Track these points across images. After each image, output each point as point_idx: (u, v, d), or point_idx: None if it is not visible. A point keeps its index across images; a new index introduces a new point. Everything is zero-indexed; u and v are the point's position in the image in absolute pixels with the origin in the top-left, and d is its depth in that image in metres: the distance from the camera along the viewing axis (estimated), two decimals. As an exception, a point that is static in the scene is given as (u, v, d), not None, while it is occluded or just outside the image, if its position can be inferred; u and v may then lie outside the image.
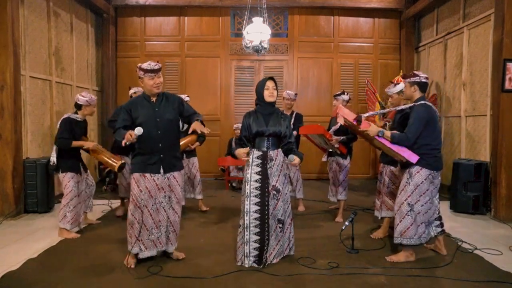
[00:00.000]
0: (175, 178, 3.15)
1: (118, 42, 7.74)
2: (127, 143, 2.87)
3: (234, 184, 6.79)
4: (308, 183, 7.14)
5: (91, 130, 6.77)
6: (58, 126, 3.95)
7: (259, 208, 3.10)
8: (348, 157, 4.60)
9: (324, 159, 4.92)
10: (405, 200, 3.18)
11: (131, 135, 2.80)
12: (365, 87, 7.22)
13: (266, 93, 3.18)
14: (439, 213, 3.37)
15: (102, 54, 7.51)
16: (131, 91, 4.89)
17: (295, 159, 3.08)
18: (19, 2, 4.89)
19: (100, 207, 5.12)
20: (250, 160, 3.17)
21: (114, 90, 7.66)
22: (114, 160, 4.03)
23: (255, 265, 3.10)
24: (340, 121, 3.45)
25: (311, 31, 7.85)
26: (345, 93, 4.71)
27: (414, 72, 3.37)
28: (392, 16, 7.80)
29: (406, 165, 3.24)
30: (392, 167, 3.91)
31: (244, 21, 6.03)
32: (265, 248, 3.10)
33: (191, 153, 4.94)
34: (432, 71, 6.95)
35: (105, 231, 4.15)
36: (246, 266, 3.10)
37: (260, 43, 5.68)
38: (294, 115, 4.94)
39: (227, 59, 7.83)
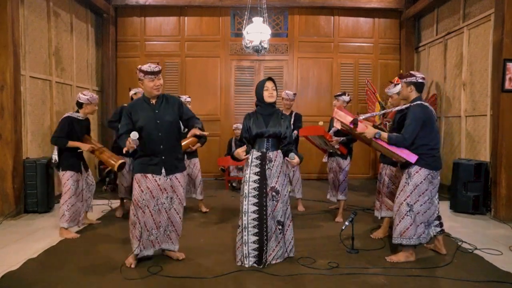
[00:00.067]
0: (177, 179, 3.15)
1: (118, 42, 7.74)
2: (130, 151, 2.90)
3: (234, 184, 6.79)
4: (308, 183, 7.15)
5: (91, 130, 6.76)
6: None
7: (257, 208, 3.10)
8: (348, 158, 4.61)
9: (324, 159, 4.92)
10: (404, 200, 3.18)
11: (130, 143, 2.81)
12: (365, 87, 7.22)
13: (265, 94, 3.18)
14: (438, 212, 3.37)
15: (102, 54, 7.51)
16: (132, 92, 4.90)
17: (295, 158, 3.08)
18: (19, 2, 4.89)
19: (100, 207, 5.12)
20: (249, 161, 3.17)
21: (114, 90, 7.67)
22: (114, 159, 4.03)
23: (255, 265, 3.10)
24: (337, 126, 3.45)
25: (311, 31, 7.85)
26: (346, 94, 4.71)
27: (411, 72, 3.36)
28: (392, 16, 7.80)
29: (405, 165, 3.24)
30: (392, 167, 3.91)
31: (244, 21, 6.03)
32: (264, 248, 3.09)
33: (192, 154, 4.95)
34: (432, 71, 6.95)
35: (105, 231, 4.15)
36: (246, 266, 3.10)
37: (260, 43, 5.68)
38: (293, 115, 4.95)
39: (227, 59, 7.83)
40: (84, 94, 4.01)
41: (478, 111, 5.54)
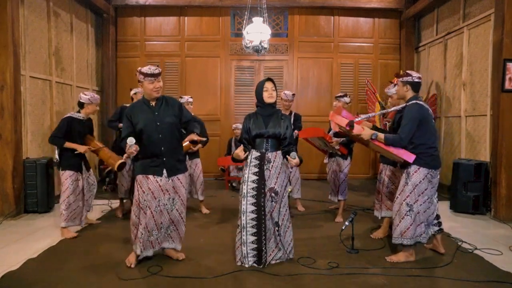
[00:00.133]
0: (179, 180, 3.15)
1: (118, 42, 7.74)
2: (131, 157, 2.92)
3: (234, 184, 6.79)
4: (308, 183, 7.15)
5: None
6: None
7: (255, 208, 3.10)
8: (349, 158, 4.61)
9: (326, 161, 4.92)
10: (404, 201, 3.18)
11: (129, 149, 2.84)
12: (365, 87, 7.22)
13: (265, 95, 3.18)
14: (437, 212, 3.37)
15: (102, 54, 7.52)
16: (132, 91, 4.91)
17: (296, 158, 3.07)
18: (19, 2, 4.89)
19: (100, 207, 5.12)
20: (248, 161, 3.17)
21: (114, 90, 7.67)
22: (114, 159, 4.03)
23: (255, 265, 3.10)
24: (335, 129, 3.46)
25: (311, 31, 7.85)
26: (347, 96, 4.73)
27: (407, 71, 3.36)
28: (392, 16, 7.80)
29: (405, 165, 3.24)
30: (392, 167, 3.92)
31: (244, 21, 6.03)
32: (263, 248, 3.09)
33: (194, 154, 4.94)
34: (432, 71, 6.95)
35: (105, 231, 4.15)
36: (246, 266, 3.10)
37: (260, 43, 5.68)
38: (292, 115, 4.95)
39: (227, 59, 7.83)
40: (85, 94, 4.03)
41: (478, 111, 5.54)
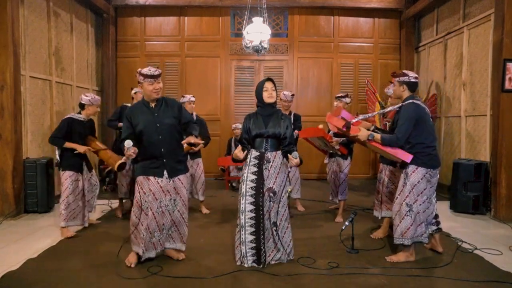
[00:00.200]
0: (180, 180, 3.15)
1: (118, 42, 7.74)
2: (130, 159, 2.93)
3: (234, 184, 6.79)
4: (308, 183, 7.15)
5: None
6: None
7: (254, 207, 3.10)
8: (349, 158, 4.61)
9: (326, 161, 4.92)
10: (403, 201, 3.17)
11: (127, 152, 2.84)
12: (365, 87, 7.22)
13: (265, 95, 3.19)
14: (435, 211, 3.37)
15: (102, 54, 7.51)
16: (133, 91, 4.92)
17: (297, 158, 3.06)
18: (19, 2, 4.89)
19: (100, 207, 5.11)
20: (248, 160, 3.18)
21: (114, 90, 7.67)
22: (114, 159, 4.04)
23: (255, 265, 3.10)
24: (334, 130, 3.46)
25: (311, 31, 7.85)
26: (348, 96, 4.73)
27: (404, 71, 3.35)
28: (392, 16, 7.80)
29: (404, 165, 3.24)
30: (391, 167, 3.92)
31: (244, 21, 6.03)
32: (262, 248, 3.09)
33: (195, 154, 4.92)
34: (432, 71, 6.95)
35: (105, 231, 4.15)
36: (246, 266, 3.10)
37: (260, 43, 5.68)
38: (292, 116, 4.95)
39: (227, 59, 7.83)
40: (86, 95, 4.05)
41: (478, 111, 5.54)
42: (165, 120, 3.08)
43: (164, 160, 3.07)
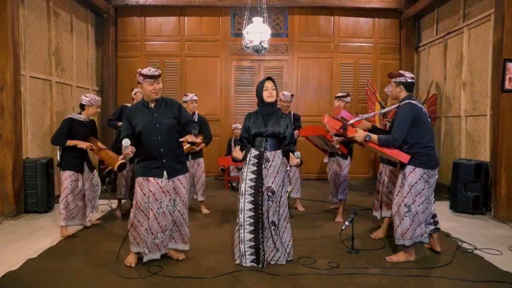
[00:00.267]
0: (179, 180, 3.15)
1: (118, 42, 7.74)
2: (127, 158, 2.93)
3: (234, 184, 6.79)
4: (308, 183, 7.16)
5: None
6: None
7: (253, 206, 3.10)
8: (349, 157, 4.61)
9: (325, 160, 4.92)
10: (402, 202, 3.17)
11: (125, 151, 2.85)
12: (365, 87, 7.22)
13: (265, 94, 3.19)
14: (433, 211, 3.37)
15: (102, 54, 7.51)
16: (133, 91, 4.93)
17: (299, 159, 3.06)
18: (19, 2, 4.89)
19: (100, 207, 5.10)
20: (247, 159, 3.18)
21: (114, 90, 7.67)
22: (115, 159, 4.04)
23: (254, 265, 3.10)
24: (332, 131, 3.47)
25: (311, 31, 7.85)
26: (349, 95, 4.74)
27: (400, 72, 3.34)
28: (392, 16, 7.80)
29: (403, 165, 3.23)
30: (391, 167, 3.91)
31: (244, 21, 6.03)
32: (261, 246, 3.09)
33: (197, 154, 4.91)
34: (432, 71, 6.95)
35: (105, 231, 4.15)
36: (244, 265, 3.10)
37: (260, 43, 5.68)
38: (292, 116, 4.95)
39: (227, 59, 7.83)
40: (85, 96, 4.08)
41: (478, 111, 5.54)
42: (164, 121, 3.08)
43: (164, 161, 3.07)
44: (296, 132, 4.52)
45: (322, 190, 6.51)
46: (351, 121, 3.46)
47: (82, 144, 3.95)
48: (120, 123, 4.43)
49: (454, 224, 4.51)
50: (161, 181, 3.06)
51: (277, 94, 3.23)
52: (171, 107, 3.16)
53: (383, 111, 3.85)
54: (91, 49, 7.22)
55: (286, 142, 3.19)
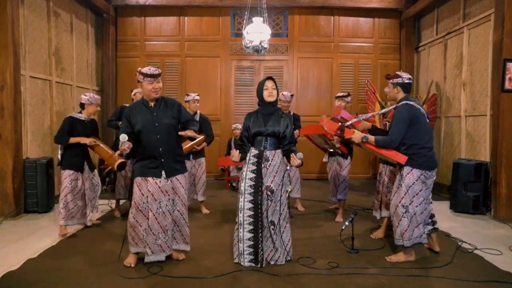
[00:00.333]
0: (178, 180, 3.14)
1: (118, 42, 7.75)
2: (124, 154, 2.93)
3: (234, 184, 6.79)
4: (308, 183, 7.15)
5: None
6: None
7: (252, 206, 3.10)
8: (349, 157, 4.61)
9: (325, 159, 4.92)
10: (399, 203, 3.16)
11: (121, 146, 2.84)
12: (365, 87, 7.22)
13: (265, 93, 3.19)
14: (431, 211, 3.37)
15: (102, 54, 7.51)
16: (133, 92, 4.93)
17: (300, 160, 3.06)
18: (19, 2, 4.89)
19: (100, 207, 5.10)
20: (247, 159, 3.18)
21: (114, 90, 7.67)
22: (115, 158, 4.04)
23: (252, 264, 3.10)
24: (331, 132, 3.47)
25: (311, 31, 7.85)
26: (349, 95, 4.75)
27: (397, 73, 3.33)
28: (392, 16, 7.80)
29: (400, 166, 3.23)
30: (391, 167, 3.91)
31: (244, 21, 6.03)
32: (260, 246, 3.09)
33: (198, 153, 4.89)
34: (432, 71, 6.95)
35: (105, 231, 4.15)
36: (242, 264, 3.11)
37: (260, 43, 5.68)
38: (291, 116, 4.94)
39: (227, 59, 7.83)
40: (85, 95, 4.11)
41: (478, 111, 5.54)
42: (164, 120, 3.08)
43: (162, 160, 3.06)
44: (296, 132, 4.52)
45: (322, 190, 6.51)
46: (349, 122, 3.47)
47: (85, 140, 3.98)
48: (120, 122, 4.43)
49: (454, 224, 4.51)
50: (160, 181, 3.06)
51: (277, 93, 3.23)
52: (171, 107, 3.15)
53: (381, 111, 3.85)
54: (91, 49, 7.22)
55: (286, 142, 3.19)
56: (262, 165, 3.13)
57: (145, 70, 3.02)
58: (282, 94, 4.86)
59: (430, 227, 3.36)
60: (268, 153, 3.15)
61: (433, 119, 6.46)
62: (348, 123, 3.43)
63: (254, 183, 3.12)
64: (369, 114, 3.73)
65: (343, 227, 3.56)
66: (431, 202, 3.31)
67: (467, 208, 4.93)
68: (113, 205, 5.14)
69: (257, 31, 5.64)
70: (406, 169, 3.15)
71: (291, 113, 4.97)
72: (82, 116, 4.09)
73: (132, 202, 3.09)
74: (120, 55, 7.76)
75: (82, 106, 4.10)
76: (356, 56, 7.85)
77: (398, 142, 3.13)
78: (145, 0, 7.49)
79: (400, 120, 3.12)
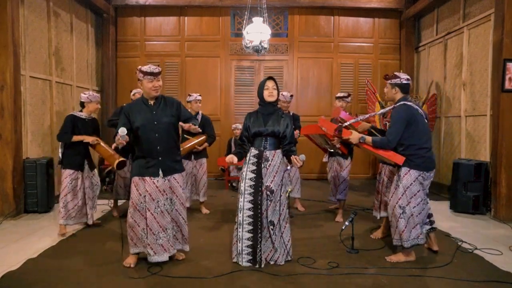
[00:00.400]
0: (175, 179, 3.14)
1: (118, 42, 7.75)
2: (119, 147, 2.92)
3: (234, 184, 6.80)
4: (308, 183, 7.15)
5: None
6: None
7: (252, 206, 3.10)
8: (349, 157, 4.61)
9: (325, 159, 4.92)
10: (396, 203, 3.15)
11: (119, 139, 2.83)
12: (365, 87, 7.22)
13: (265, 93, 3.19)
14: (429, 211, 3.37)
15: (102, 54, 7.52)
16: (132, 92, 4.92)
17: (302, 162, 3.06)
18: (19, 2, 4.89)
19: (100, 207, 5.11)
20: (247, 159, 3.18)
21: (114, 90, 7.67)
22: (115, 157, 4.04)
23: (250, 264, 3.10)
24: (330, 132, 3.48)
25: (311, 31, 7.85)
26: (350, 96, 4.75)
27: (395, 73, 3.32)
28: (392, 16, 7.80)
29: (398, 166, 3.23)
30: (391, 167, 3.91)
31: (244, 21, 6.03)
32: (258, 246, 3.09)
33: (200, 154, 4.87)
34: (432, 71, 6.95)
35: (105, 231, 4.15)
36: (240, 264, 3.11)
37: (260, 43, 5.68)
38: (291, 116, 4.94)
39: (227, 59, 7.83)
40: (84, 93, 4.15)
41: (478, 111, 5.54)
42: (163, 119, 3.08)
43: (160, 159, 3.06)
44: (296, 132, 4.52)
45: (322, 190, 6.51)
46: (347, 123, 3.46)
47: (88, 139, 3.99)
48: None
49: (454, 224, 4.51)
50: (157, 181, 3.05)
51: (278, 93, 3.23)
52: (170, 105, 3.16)
53: (379, 112, 3.86)
54: (91, 49, 7.22)
55: (286, 142, 3.19)
56: (262, 165, 3.13)
57: (146, 68, 3.03)
58: (281, 94, 4.85)
59: (428, 227, 3.36)
60: (268, 153, 3.15)
61: (433, 119, 6.46)
62: (346, 123, 3.44)
63: (254, 183, 3.12)
64: (365, 116, 3.74)
65: (343, 227, 3.56)
66: (428, 202, 3.31)
67: (467, 208, 4.93)
68: (112, 205, 5.14)
69: (257, 31, 5.64)
70: (404, 170, 3.14)
71: (291, 113, 4.97)
72: (83, 114, 4.11)
73: (130, 202, 3.09)
74: (120, 55, 7.76)
75: (82, 105, 4.12)
76: (356, 56, 7.85)
77: (396, 142, 3.12)
78: (145, 0, 7.50)
79: (397, 120, 3.12)
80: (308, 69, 7.86)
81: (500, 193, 4.68)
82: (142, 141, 3.05)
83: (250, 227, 3.10)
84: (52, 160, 5.11)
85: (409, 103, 3.18)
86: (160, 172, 3.06)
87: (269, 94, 3.18)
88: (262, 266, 3.09)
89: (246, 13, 6.01)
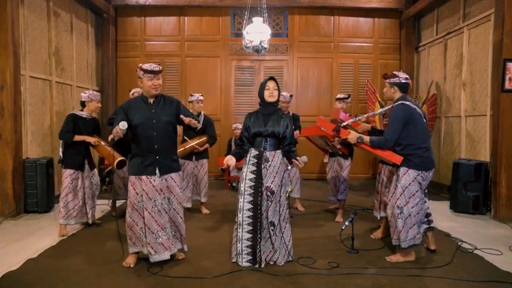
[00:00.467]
0: (172, 179, 3.14)
1: (118, 42, 7.75)
2: (115, 139, 2.94)
3: (234, 184, 6.80)
4: (308, 183, 7.15)
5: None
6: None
7: (252, 206, 3.10)
8: (350, 158, 4.61)
9: (326, 160, 4.93)
10: (395, 203, 3.15)
11: (118, 132, 2.84)
12: (365, 87, 7.22)
13: (266, 94, 3.20)
14: (427, 209, 3.37)
15: (102, 54, 7.51)
16: (131, 92, 4.91)
17: (303, 164, 3.05)
18: (19, 2, 4.89)
19: (100, 207, 5.11)
20: (247, 159, 3.18)
21: (114, 90, 7.67)
22: (115, 157, 4.04)
23: (250, 264, 3.10)
24: (329, 132, 3.48)
25: (311, 31, 7.85)
26: (350, 97, 4.75)
27: (394, 72, 3.31)
28: (392, 16, 7.80)
29: (397, 166, 3.23)
30: (391, 167, 3.91)
31: (244, 21, 6.03)
32: (258, 246, 3.09)
33: (201, 154, 4.86)
34: (432, 71, 6.95)
35: (105, 231, 4.15)
36: (240, 264, 3.11)
37: (260, 43, 5.68)
38: (291, 116, 4.94)
39: (227, 59, 7.83)
40: (84, 93, 4.16)
41: (478, 111, 5.54)
42: (162, 117, 3.08)
43: (157, 157, 3.06)
44: (296, 132, 4.52)
45: (322, 190, 6.51)
46: (346, 122, 3.46)
47: (90, 139, 4.00)
48: None
49: (454, 224, 4.51)
50: (154, 180, 3.05)
51: (279, 94, 3.24)
52: (170, 104, 3.16)
53: (377, 111, 3.85)
54: (91, 49, 7.22)
55: (286, 143, 3.19)
56: (262, 166, 3.13)
57: (146, 66, 3.03)
58: (281, 94, 4.84)
59: (425, 226, 3.36)
60: (268, 153, 3.15)
61: (433, 119, 6.46)
62: (344, 123, 3.43)
63: (254, 183, 3.12)
64: (364, 116, 3.74)
65: (343, 227, 3.56)
66: (426, 202, 3.31)
67: (467, 208, 4.93)
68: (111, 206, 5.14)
69: (257, 31, 5.64)
70: (402, 169, 3.14)
71: (290, 113, 4.97)
72: (84, 114, 4.12)
73: (128, 201, 3.10)
74: (120, 55, 7.76)
75: (82, 104, 4.13)
76: (356, 56, 7.85)
77: (393, 142, 3.12)
78: (145, 0, 7.50)
79: (395, 120, 3.11)
80: (308, 69, 7.86)
81: (500, 193, 4.68)
82: (140, 139, 3.05)
83: (250, 228, 3.10)
84: (52, 160, 5.11)
85: (407, 102, 3.17)
86: (157, 171, 3.06)
87: (270, 95, 3.19)
88: (262, 266, 3.09)
89: (246, 13, 6.01)
